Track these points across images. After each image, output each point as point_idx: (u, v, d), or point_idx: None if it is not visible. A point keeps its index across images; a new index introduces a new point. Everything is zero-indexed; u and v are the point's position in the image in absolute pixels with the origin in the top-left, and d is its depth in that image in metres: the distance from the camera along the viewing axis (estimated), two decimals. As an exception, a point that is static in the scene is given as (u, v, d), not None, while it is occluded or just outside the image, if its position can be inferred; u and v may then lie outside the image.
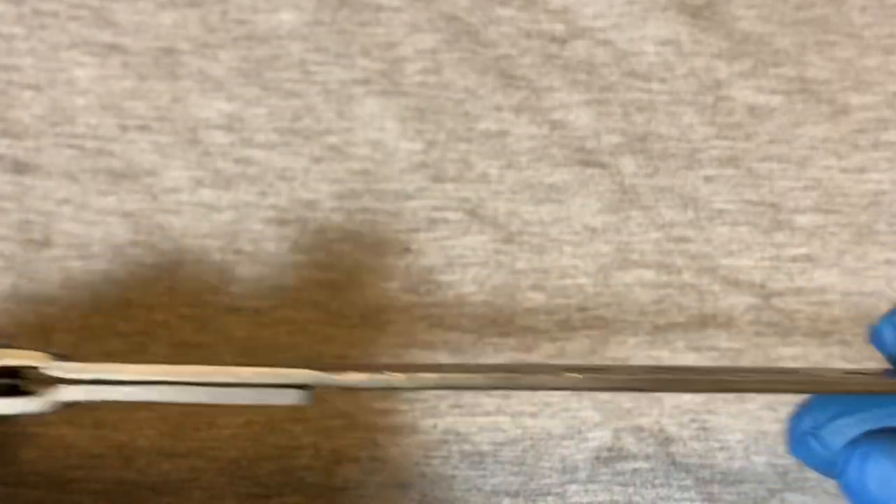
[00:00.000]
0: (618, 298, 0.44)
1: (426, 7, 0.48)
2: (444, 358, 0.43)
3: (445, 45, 0.47)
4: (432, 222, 0.46)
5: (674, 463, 0.43)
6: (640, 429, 0.43)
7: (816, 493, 0.42)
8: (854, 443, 0.34)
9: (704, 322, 0.44)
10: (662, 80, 0.47)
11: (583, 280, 0.45)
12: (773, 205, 0.46)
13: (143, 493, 0.42)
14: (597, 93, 0.47)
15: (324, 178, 0.46)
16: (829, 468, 0.35)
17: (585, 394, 0.43)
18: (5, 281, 0.43)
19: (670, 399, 0.43)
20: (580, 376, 0.34)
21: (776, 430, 0.43)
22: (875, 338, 0.36)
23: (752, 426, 0.43)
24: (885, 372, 0.36)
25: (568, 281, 0.45)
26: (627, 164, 0.46)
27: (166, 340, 0.43)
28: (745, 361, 0.43)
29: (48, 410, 0.33)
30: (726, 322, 0.44)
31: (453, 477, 0.43)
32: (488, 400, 0.43)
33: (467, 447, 0.43)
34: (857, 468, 0.33)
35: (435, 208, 0.46)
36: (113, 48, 0.47)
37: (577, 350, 0.44)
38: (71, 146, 0.46)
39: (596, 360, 0.43)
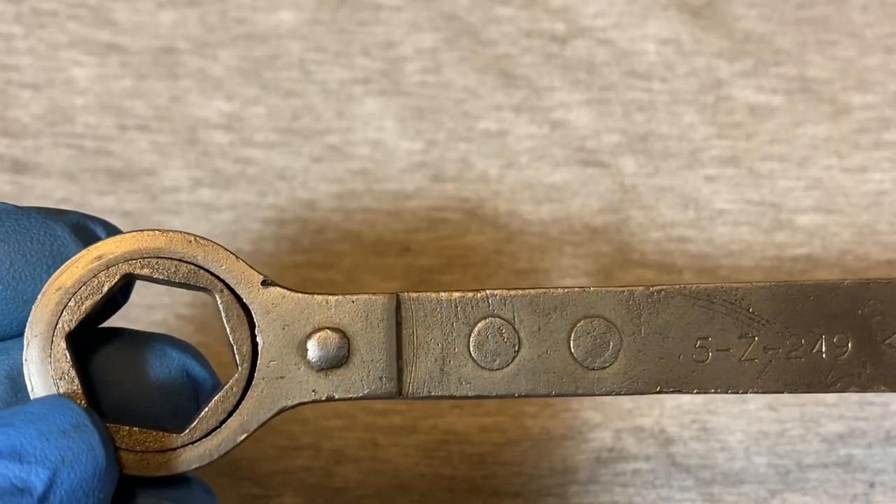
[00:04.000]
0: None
1: (426, 6, 0.48)
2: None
3: (445, 44, 0.47)
4: (432, 222, 0.46)
5: (674, 464, 0.43)
6: (640, 429, 0.43)
7: (817, 493, 0.42)
8: None
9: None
10: (663, 80, 0.47)
11: (583, 280, 0.45)
12: (773, 204, 0.46)
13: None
14: (597, 92, 0.47)
15: (323, 177, 0.46)
16: None
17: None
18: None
19: (671, 400, 0.43)
20: None
21: (777, 430, 0.43)
22: None
23: (752, 426, 0.43)
24: None
25: (568, 281, 0.45)
26: (628, 163, 0.46)
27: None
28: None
29: None
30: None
31: (453, 477, 0.43)
32: (488, 400, 0.43)
33: (467, 447, 0.43)
34: None
35: (435, 208, 0.46)
36: (112, 47, 0.47)
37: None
38: (70, 146, 0.46)
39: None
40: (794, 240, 0.45)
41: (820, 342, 0.35)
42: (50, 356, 0.32)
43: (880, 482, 0.42)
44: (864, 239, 0.45)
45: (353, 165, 0.46)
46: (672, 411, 0.43)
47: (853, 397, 0.43)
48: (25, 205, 0.45)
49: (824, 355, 0.35)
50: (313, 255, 0.45)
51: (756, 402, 0.43)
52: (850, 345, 0.35)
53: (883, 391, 0.35)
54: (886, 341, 0.35)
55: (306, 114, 0.47)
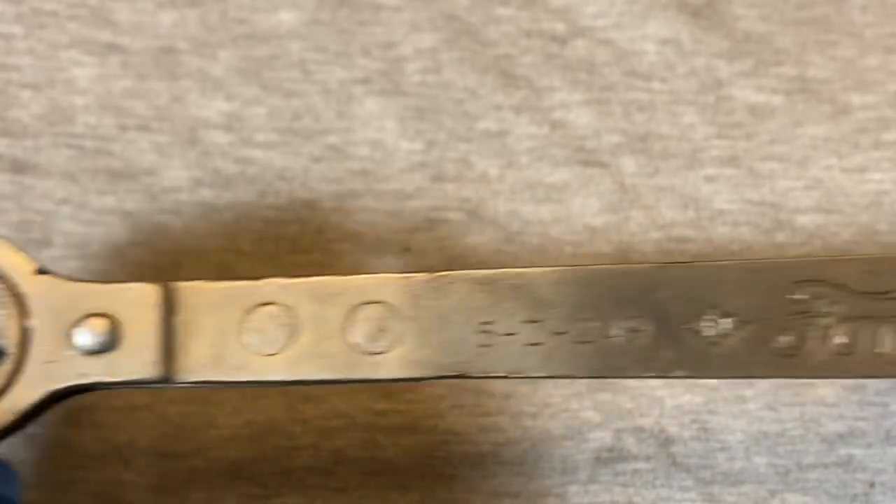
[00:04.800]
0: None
1: (426, 6, 0.48)
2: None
3: (445, 44, 0.47)
4: (432, 222, 0.46)
5: (674, 464, 0.43)
6: (640, 429, 0.43)
7: (817, 493, 0.42)
8: None
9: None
10: (663, 80, 0.47)
11: (583, 280, 0.45)
12: (773, 204, 0.46)
13: (142, 493, 0.42)
14: (597, 92, 0.47)
15: (323, 177, 0.46)
16: None
17: (586, 394, 0.43)
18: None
19: (671, 400, 0.43)
20: None
21: (777, 430, 0.43)
22: None
23: (752, 426, 0.43)
24: None
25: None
26: (628, 163, 0.46)
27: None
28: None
29: None
30: (727, 322, 0.44)
31: (453, 477, 0.43)
32: (489, 400, 0.43)
33: (467, 447, 0.43)
34: None
35: (435, 208, 0.46)
36: (112, 47, 0.47)
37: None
38: (70, 146, 0.46)
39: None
40: (794, 240, 0.45)
41: (613, 327, 0.34)
42: None
43: (880, 482, 0.42)
44: (864, 239, 0.45)
45: (353, 165, 0.46)
46: (672, 411, 0.43)
47: (853, 396, 0.43)
48: (25, 205, 0.45)
49: (619, 340, 0.34)
50: (313, 255, 0.45)
51: (756, 402, 0.43)
52: (646, 329, 0.34)
53: (682, 377, 0.34)
54: (686, 326, 0.34)
55: (306, 114, 0.47)
